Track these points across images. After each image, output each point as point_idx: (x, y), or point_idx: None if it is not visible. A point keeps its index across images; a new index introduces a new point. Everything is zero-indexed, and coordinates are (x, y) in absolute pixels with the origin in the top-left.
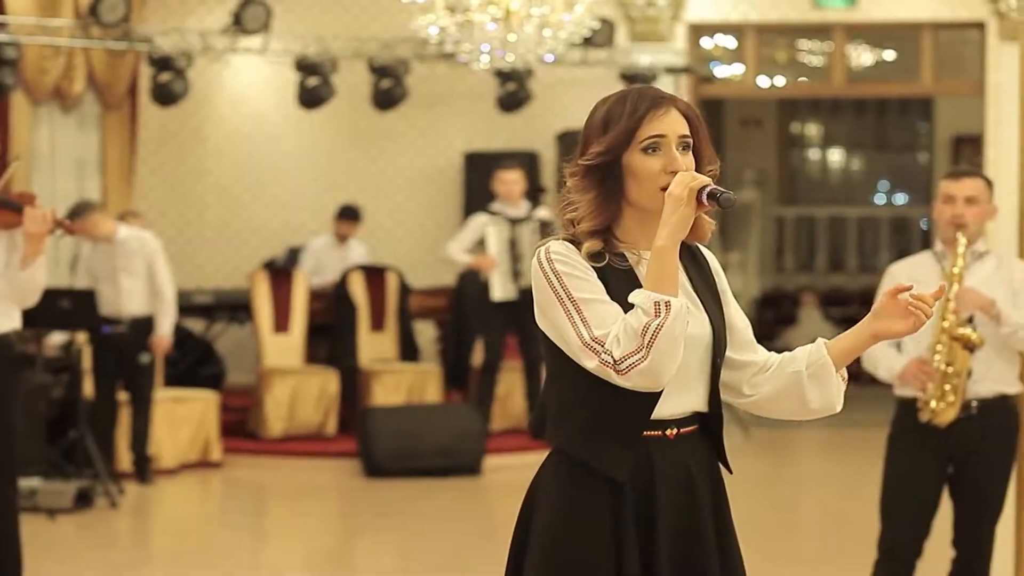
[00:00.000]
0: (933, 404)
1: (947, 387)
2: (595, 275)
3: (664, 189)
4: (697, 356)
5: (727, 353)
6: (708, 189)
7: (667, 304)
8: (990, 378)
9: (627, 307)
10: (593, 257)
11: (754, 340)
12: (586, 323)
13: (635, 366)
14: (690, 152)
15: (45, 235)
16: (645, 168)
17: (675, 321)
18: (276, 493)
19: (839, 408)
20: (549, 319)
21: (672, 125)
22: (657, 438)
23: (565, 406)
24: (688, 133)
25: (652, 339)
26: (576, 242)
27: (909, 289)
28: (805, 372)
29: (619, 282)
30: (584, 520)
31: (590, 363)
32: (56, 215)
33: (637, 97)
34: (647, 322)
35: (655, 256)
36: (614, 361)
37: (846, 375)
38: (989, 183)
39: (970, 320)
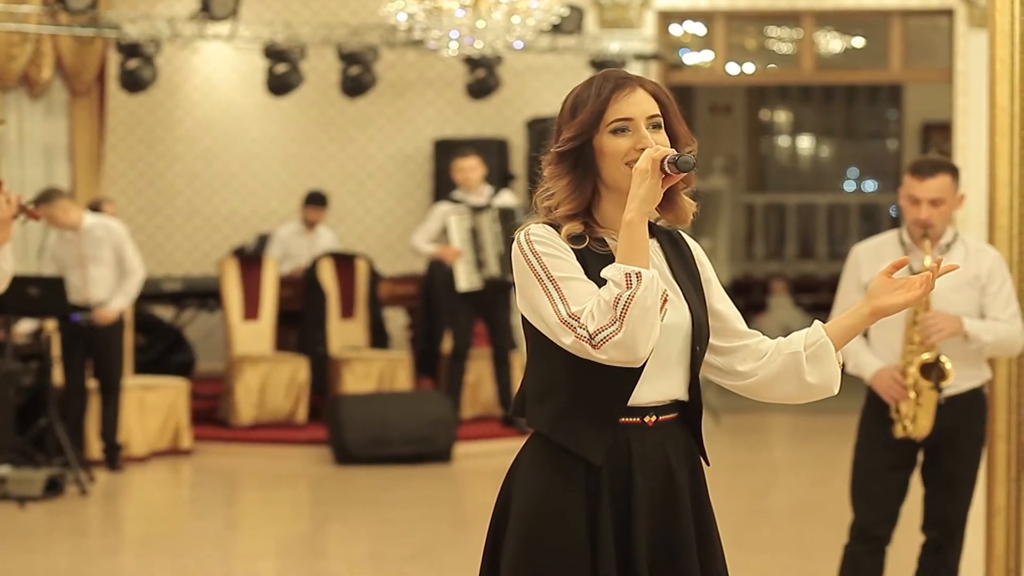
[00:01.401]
0: (907, 424)
1: (917, 412)
2: (574, 256)
3: (629, 164)
4: (676, 344)
5: (713, 341)
6: (668, 157)
7: (638, 275)
8: (959, 377)
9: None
10: (573, 240)
11: (744, 328)
12: (564, 300)
13: (609, 338)
14: (662, 132)
15: (10, 220)
16: (615, 148)
17: (646, 291)
18: (246, 481)
19: (836, 390)
20: (528, 300)
21: (640, 105)
22: (635, 425)
23: (543, 389)
24: (657, 112)
25: (624, 310)
26: (556, 226)
27: (905, 264)
28: (804, 353)
29: (598, 265)
30: (562, 505)
31: (567, 339)
32: (21, 200)
33: (602, 80)
34: (619, 294)
35: (625, 229)
36: (589, 335)
37: (843, 359)
38: (955, 174)
39: (937, 360)
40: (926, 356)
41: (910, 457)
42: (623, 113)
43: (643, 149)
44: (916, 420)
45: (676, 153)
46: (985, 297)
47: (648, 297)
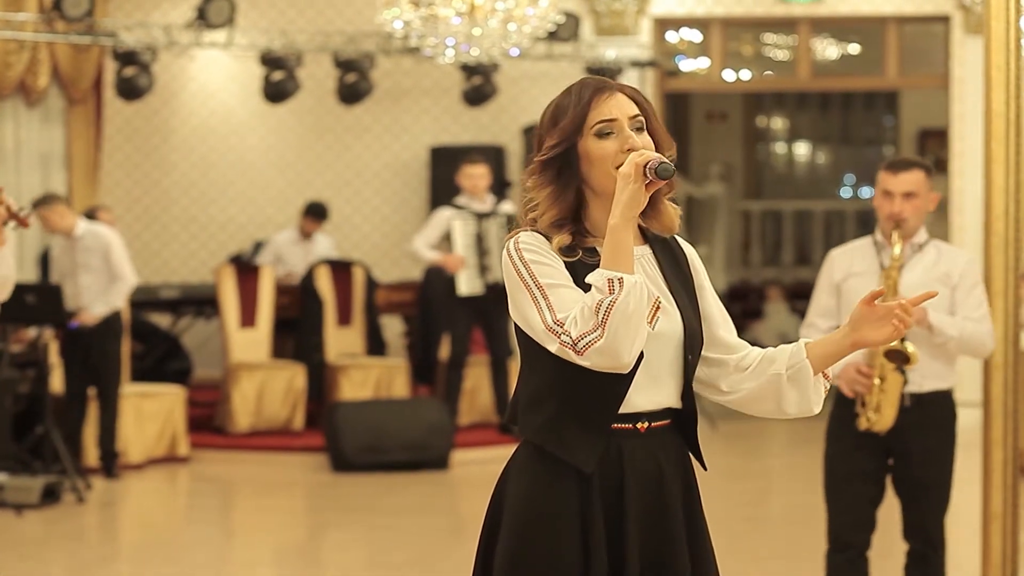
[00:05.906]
0: (870, 415)
1: (881, 400)
2: (562, 264)
3: (618, 168)
4: (668, 352)
5: (704, 352)
6: (650, 163)
7: (620, 280)
8: (926, 376)
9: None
10: (564, 251)
11: (732, 339)
12: (550, 307)
13: (591, 344)
14: (646, 133)
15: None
16: (600, 151)
17: (628, 297)
18: (243, 488)
19: (817, 410)
20: (517, 307)
21: (621, 107)
22: (627, 431)
23: (535, 397)
24: (639, 114)
25: (606, 316)
26: (546, 236)
27: (881, 295)
28: (785, 375)
29: (588, 275)
30: (554, 509)
31: (552, 346)
32: (12, 206)
33: (580, 87)
34: (600, 299)
35: (609, 235)
36: (572, 341)
37: (829, 376)
38: (929, 172)
39: (902, 339)
40: (893, 343)
41: (880, 461)
42: (606, 115)
43: (631, 150)
44: (880, 410)
45: (659, 159)
46: (956, 295)
47: (631, 303)
